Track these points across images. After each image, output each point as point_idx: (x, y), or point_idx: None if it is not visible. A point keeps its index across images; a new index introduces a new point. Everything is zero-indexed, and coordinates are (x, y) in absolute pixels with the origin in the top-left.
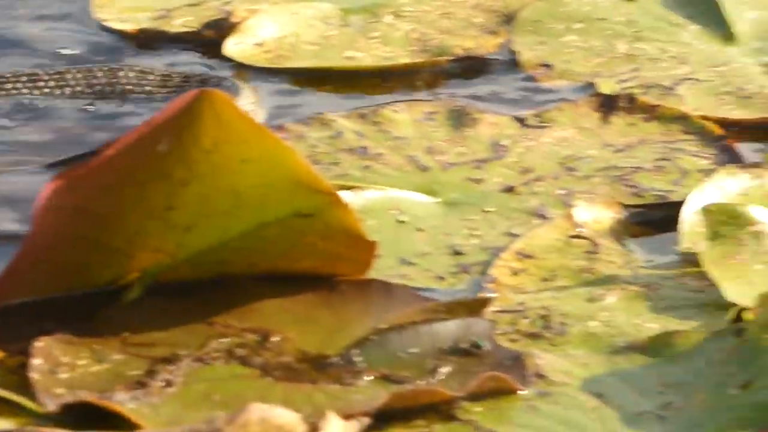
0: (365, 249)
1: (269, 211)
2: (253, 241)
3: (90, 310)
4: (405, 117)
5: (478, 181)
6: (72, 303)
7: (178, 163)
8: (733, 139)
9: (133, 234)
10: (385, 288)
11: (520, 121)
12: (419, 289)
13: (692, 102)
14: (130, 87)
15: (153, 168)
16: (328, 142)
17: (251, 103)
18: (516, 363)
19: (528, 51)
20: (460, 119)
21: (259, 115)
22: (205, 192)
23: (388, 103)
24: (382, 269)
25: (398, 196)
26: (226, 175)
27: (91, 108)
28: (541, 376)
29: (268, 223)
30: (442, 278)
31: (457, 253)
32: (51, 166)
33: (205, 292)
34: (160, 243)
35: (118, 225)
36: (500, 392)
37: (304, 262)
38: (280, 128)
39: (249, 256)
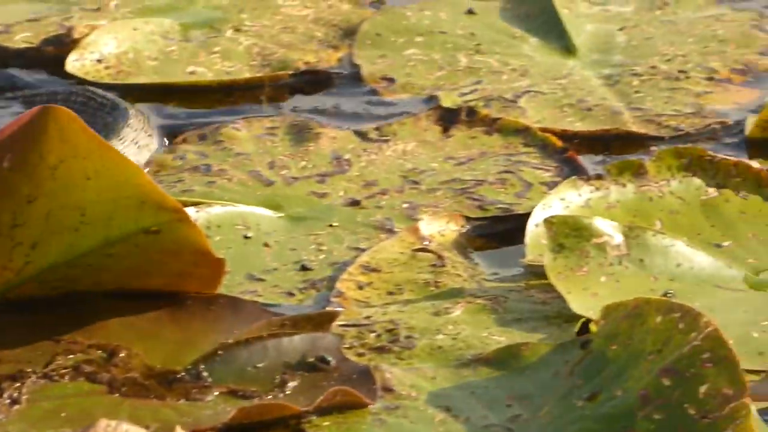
0: (213, 265)
1: (115, 228)
2: (100, 258)
3: None
4: (246, 134)
5: (322, 195)
6: None
7: (23, 179)
8: (574, 151)
9: None
10: (232, 303)
11: (362, 135)
12: (268, 305)
13: (534, 114)
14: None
15: None
16: (171, 162)
17: (142, 129)
18: (363, 377)
19: (369, 65)
20: (301, 134)
21: (154, 143)
22: (51, 208)
23: (229, 121)
24: (231, 285)
25: (243, 212)
26: (71, 192)
27: None
28: (388, 389)
29: (114, 240)
30: (291, 294)
31: (305, 269)
32: None
33: (52, 308)
34: (6, 260)
35: None
36: (348, 406)
37: (153, 278)
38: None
39: (96, 272)
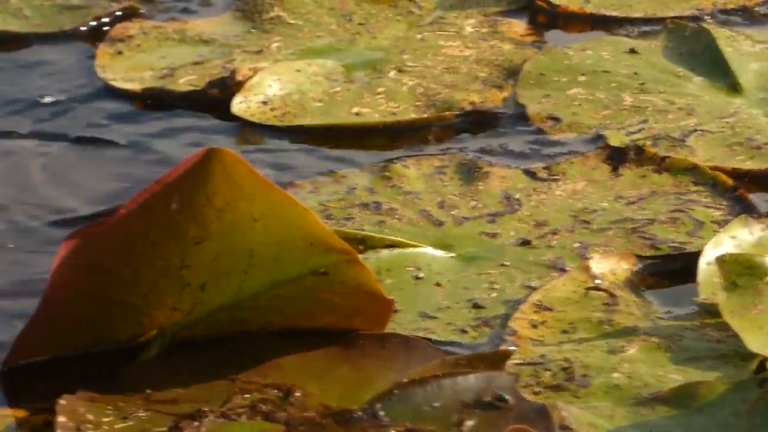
0: (382, 306)
1: (283, 270)
2: (268, 300)
3: (111, 368)
4: (415, 172)
5: (493, 235)
6: (92, 360)
7: (190, 221)
8: (744, 189)
9: (149, 292)
10: (404, 342)
11: (531, 174)
12: (441, 342)
13: (703, 153)
14: None
15: (166, 226)
16: (341, 197)
17: None
18: (541, 415)
19: (534, 104)
20: (470, 173)
21: None
22: (218, 250)
23: (398, 158)
24: (403, 323)
25: (414, 253)
26: (238, 234)
27: None
28: (566, 428)
29: (282, 282)
30: (464, 331)
31: (477, 307)
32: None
33: (225, 348)
34: (176, 301)
35: (133, 283)
36: None
37: (321, 319)
38: (291, 185)
39: (265, 314)
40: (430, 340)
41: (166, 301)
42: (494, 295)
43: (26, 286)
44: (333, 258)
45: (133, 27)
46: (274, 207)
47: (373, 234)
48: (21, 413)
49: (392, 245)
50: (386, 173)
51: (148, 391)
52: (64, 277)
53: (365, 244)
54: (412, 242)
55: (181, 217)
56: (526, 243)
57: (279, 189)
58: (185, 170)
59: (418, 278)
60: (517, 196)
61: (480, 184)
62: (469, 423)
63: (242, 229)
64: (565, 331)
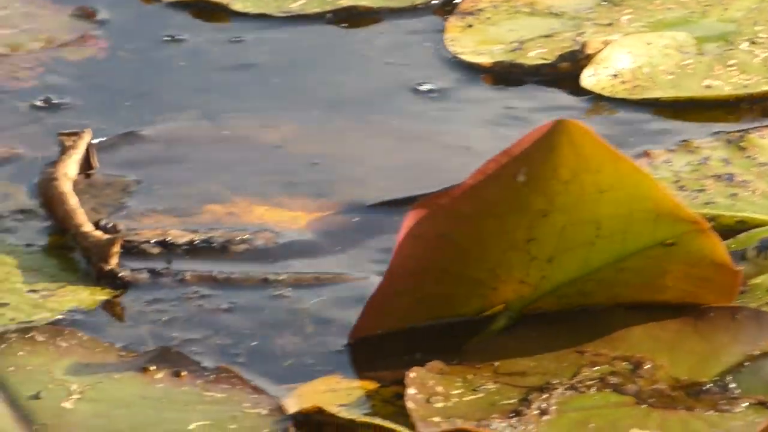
0: (730, 277)
1: (630, 242)
2: (613, 272)
3: (457, 340)
4: None
5: None
6: (438, 333)
7: (536, 193)
8: None
9: (496, 266)
10: (755, 315)
11: None
12: None
13: None
14: None
15: (512, 198)
16: (693, 168)
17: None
18: None
19: None
20: None
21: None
22: (565, 223)
23: (753, 128)
24: (751, 298)
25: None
26: (585, 206)
27: None
28: None
29: (628, 254)
30: None
31: None
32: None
33: (572, 320)
34: (523, 275)
35: (480, 257)
36: None
37: (668, 291)
38: (646, 155)
39: (610, 287)
40: None
41: (513, 275)
42: None
43: (363, 264)
44: (681, 228)
45: (482, 0)
46: (622, 178)
47: (722, 212)
48: (370, 385)
49: (743, 221)
50: (741, 144)
51: (495, 363)
52: (410, 249)
53: (714, 221)
54: (763, 217)
55: (528, 189)
56: None
57: (627, 159)
58: (533, 142)
59: None
60: None
61: None
62: None
63: (588, 201)
64: None
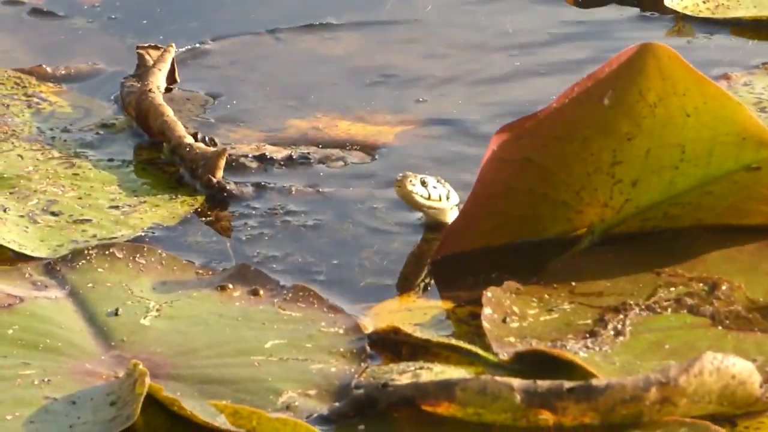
0: None
1: (714, 165)
2: (698, 196)
3: (535, 261)
4: None
5: None
6: (517, 253)
7: (622, 117)
8: None
9: (581, 189)
10: None
11: None
12: None
13: None
14: None
15: (597, 122)
16: None
17: None
18: None
19: None
20: None
21: None
22: (650, 146)
23: None
24: None
25: None
26: (670, 130)
27: None
28: None
29: (713, 178)
30: None
31: None
32: None
33: (651, 242)
34: (607, 198)
35: (565, 180)
36: None
37: (751, 215)
38: (725, 78)
39: (694, 210)
40: None
41: (597, 198)
42: None
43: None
44: (766, 153)
45: None
46: (707, 101)
47: None
48: (447, 304)
49: None
50: None
51: (573, 283)
52: (494, 172)
53: None
54: None
55: (613, 112)
56: None
57: (713, 83)
58: (618, 65)
59: None
60: None
61: None
62: None
63: (674, 125)
64: None
